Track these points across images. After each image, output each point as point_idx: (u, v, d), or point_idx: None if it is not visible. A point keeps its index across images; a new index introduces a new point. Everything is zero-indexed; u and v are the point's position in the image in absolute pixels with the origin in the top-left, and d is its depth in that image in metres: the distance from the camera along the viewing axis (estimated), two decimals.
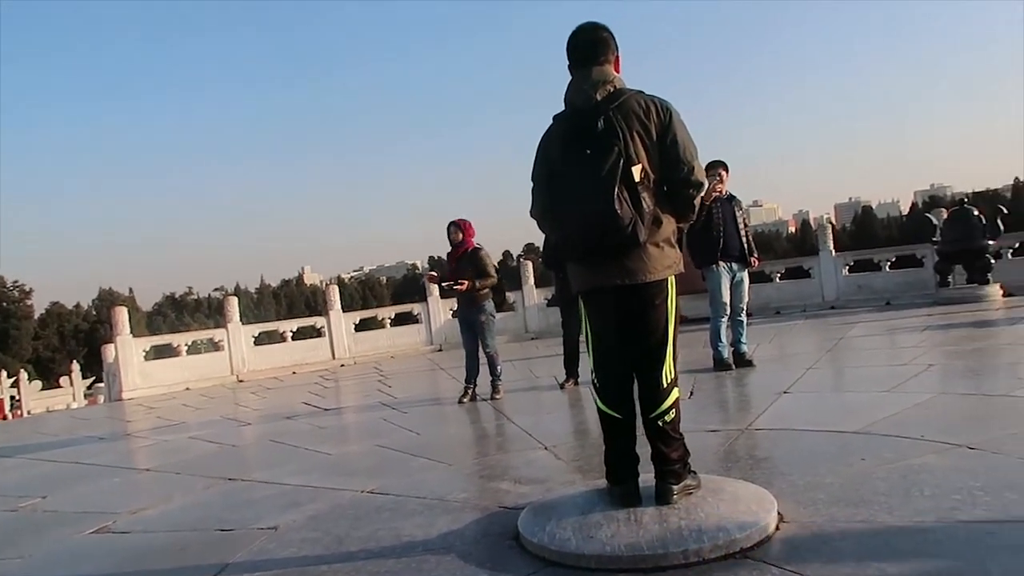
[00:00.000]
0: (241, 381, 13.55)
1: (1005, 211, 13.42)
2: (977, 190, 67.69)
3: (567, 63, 3.29)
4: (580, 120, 3.11)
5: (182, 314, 76.61)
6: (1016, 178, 73.99)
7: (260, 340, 14.95)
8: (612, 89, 3.16)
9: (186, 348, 14.36)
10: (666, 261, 3.18)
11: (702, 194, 3.34)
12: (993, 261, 12.27)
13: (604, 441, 3.28)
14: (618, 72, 3.28)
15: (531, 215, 3.41)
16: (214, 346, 14.33)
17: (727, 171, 7.67)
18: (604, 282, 3.16)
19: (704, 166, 3.34)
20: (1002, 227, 12.60)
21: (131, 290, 74.01)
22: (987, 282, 11.94)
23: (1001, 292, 11.79)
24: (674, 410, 3.17)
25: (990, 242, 12.21)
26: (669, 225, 3.21)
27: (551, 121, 3.32)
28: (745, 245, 7.63)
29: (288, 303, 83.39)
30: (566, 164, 3.09)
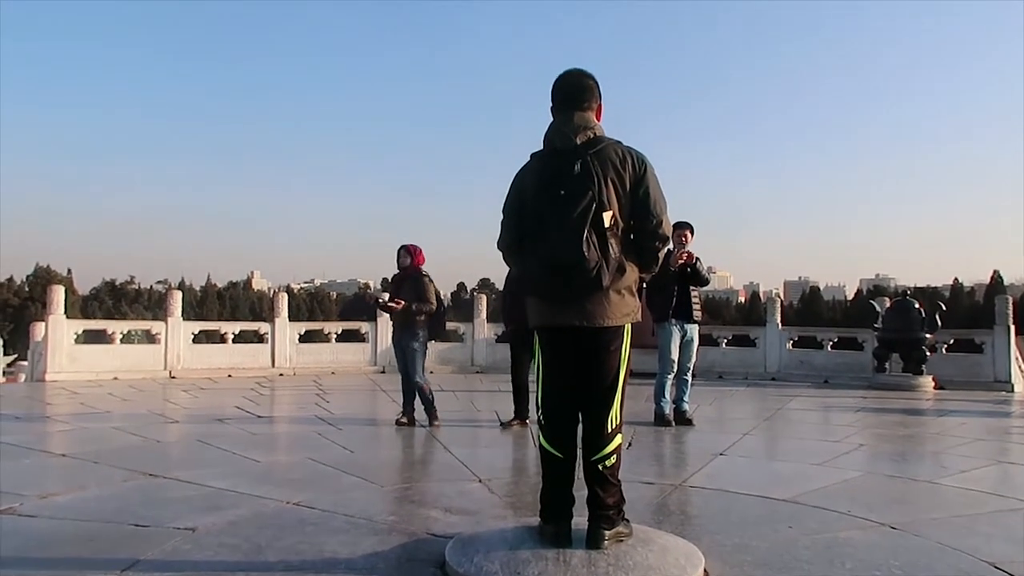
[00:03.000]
0: (174, 377, 13.15)
1: (943, 308, 13.98)
2: (919, 285, 70.28)
3: (551, 104, 3.36)
4: (558, 161, 3.16)
5: (120, 303, 74.27)
6: (955, 278, 77.30)
7: (198, 339, 14.57)
8: (592, 135, 3.23)
9: (120, 337, 13.91)
10: (625, 308, 3.22)
11: (667, 247, 3.42)
12: (929, 354, 12.72)
13: (542, 479, 3.27)
14: (599, 120, 3.35)
15: (498, 247, 3.44)
16: (150, 338, 13.90)
17: (692, 233, 7.81)
18: (563, 321, 3.19)
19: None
20: (939, 322, 13.09)
21: (69, 271, 71.52)
22: (921, 373, 12.35)
23: (933, 384, 12.20)
24: (615, 456, 3.19)
25: (927, 335, 12.66)
26: (632, 274, 3.26)
27: (529, 158, 3.37)
28: (696, 303, 7.76)
29: (232, 306, 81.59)
30: (539, 202, 3.14)
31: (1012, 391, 12.54)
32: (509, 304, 7.47)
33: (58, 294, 13.09)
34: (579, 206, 3.03)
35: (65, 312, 13.13)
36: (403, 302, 7.37)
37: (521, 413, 7.43)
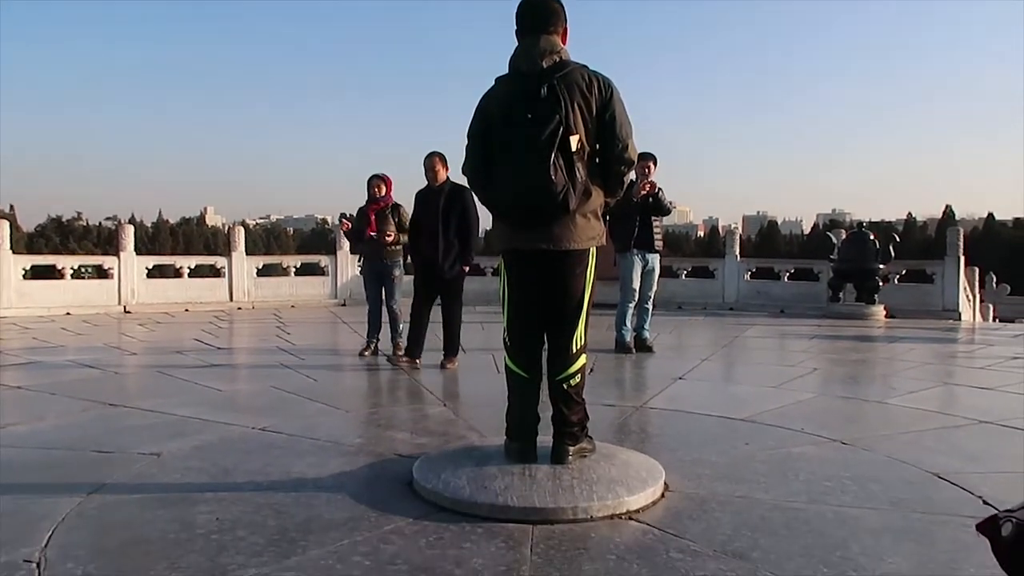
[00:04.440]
0: (129, 312, 12.90)
1: (897, 239, 14.31)
2: (873, 220, 71.80)
3: (515, 28, 3.28)
4: (524, 84, 3.11)
5: (67, 240, 72.18)
6: (909, 213, 79.30)
7: (152, 274, 14.26)
8: (558, 59, 3.18)
9: (71, 272, 13.54)
10: (591, 232, 3.23)
11: (631, 172, 3.42)
12: (882, 284, 13.05)
13: (508, 399, 3.32)
14: (565, 44, 3.29)
15: (463, 171, 3.40)
16: (101, 273, 13.56)
17: (655, 164, 7.81)
18: (529, 245, 3.18)
19: None
20: (893, 254, 13.40)
21: (12, 207, 69.08)
22: (874, 302, 12.69)
23: (884, 313, 12.57)
24: (580, 375, 3.25)
25: (881, 266, 12.97)
26: (598, 198, 3.26)
27: (494, 82, 3.30)
28: (657, 235, 7.82)
29: (186, 241, 79.98)
30: (505, 126, 3.10)
31: (959, 319, 12.99)
32: (414, 234, 6.91)
33: (2, 229, 12.62)
34: (546, 130, 3.00)
35: (11, 248, 12.70)
36: (392, 234, 7.42)
37: (412, 351, 6.73)
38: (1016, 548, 1.62)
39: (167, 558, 2.45)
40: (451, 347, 6.83)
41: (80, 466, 3.53)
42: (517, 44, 3.26)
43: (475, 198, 6.32)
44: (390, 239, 7.41)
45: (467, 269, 6.77)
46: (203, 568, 2.37)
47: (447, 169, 6.76)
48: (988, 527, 1.69)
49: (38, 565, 2.39)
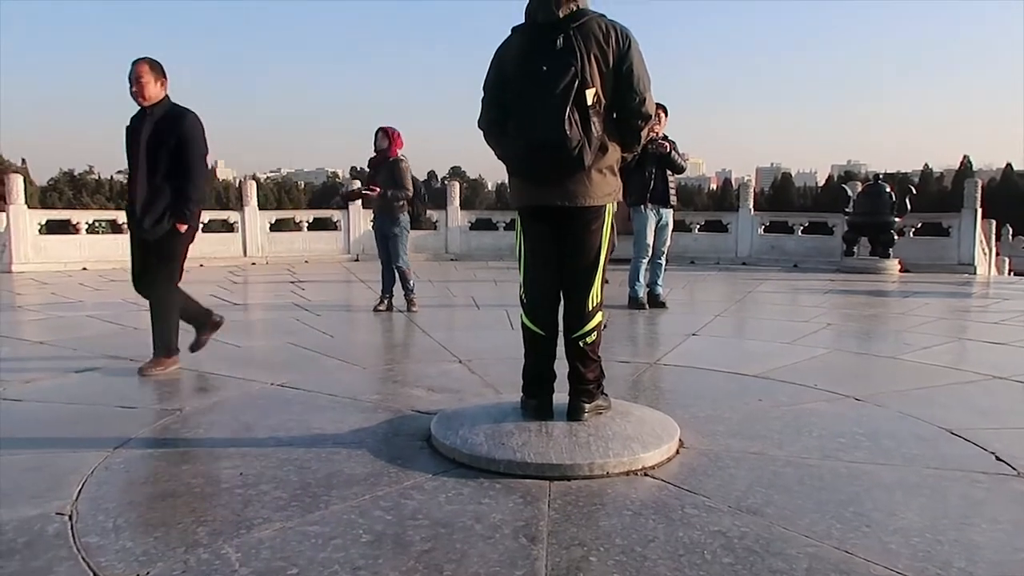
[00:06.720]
0: None
1: (914, 192, 14.16)
2: (889, 171, 70.80)
3: None
4: (539, 35, 3.05)
5: (80, 193, 72.30)
6: (925, 164, 78.14)
7: None
8: (575, 8, 3.10)
9: (86, 227, 13.63)
10: (607, 188, 3.21)
11: (650, 127, 3.38)
12: (897, 237, 12.95)
13: (524, 356, 3.34)
14: None
15: (478, 126, 3.36)
16: (115, 228, 13.65)
17: (666, 114, 7.72)
18: (544, 201, 3.16)
19: None
20: (909, 206, 13.27)
21: (24, 161, 69.09)
22: (888, 256, 12.62)
23: (899, 267, 12.50)
24: (596, 333, 3.27)
25: (896, 219, 12.85)
26: (614, 153, 3.22)
27: (510, 32, 3.24)
28: (672, 188, 7.76)
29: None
30: (520, 78, 3.05)
31: (974, 273, 12.91)
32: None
33: (17, 183, 12.67)
34: (561, 83, 2.95)
35: (25, 203, 12.77)
36: (378, 189, 7.35)
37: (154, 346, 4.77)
38: None
39: (194, 512, 2.51)
40: (159, 342, 4.72)
41: (106, 420, 3.60)
42: None
43: (204, 128, 4.71)
44: (372, 195, 7.39)
45: (184, 229, 4.67)
46: (229, 522, 2.44)
47: (164, 84, 4.56)
48: None
49: (70, 518, 2.46)
